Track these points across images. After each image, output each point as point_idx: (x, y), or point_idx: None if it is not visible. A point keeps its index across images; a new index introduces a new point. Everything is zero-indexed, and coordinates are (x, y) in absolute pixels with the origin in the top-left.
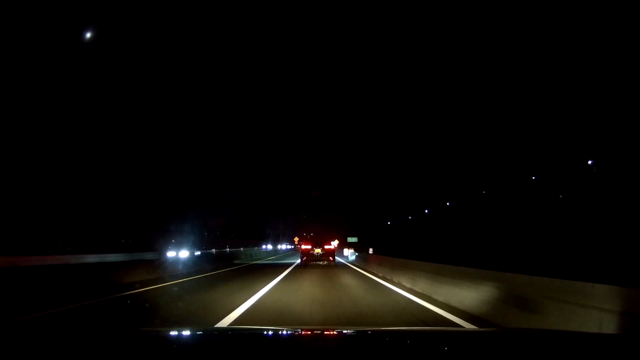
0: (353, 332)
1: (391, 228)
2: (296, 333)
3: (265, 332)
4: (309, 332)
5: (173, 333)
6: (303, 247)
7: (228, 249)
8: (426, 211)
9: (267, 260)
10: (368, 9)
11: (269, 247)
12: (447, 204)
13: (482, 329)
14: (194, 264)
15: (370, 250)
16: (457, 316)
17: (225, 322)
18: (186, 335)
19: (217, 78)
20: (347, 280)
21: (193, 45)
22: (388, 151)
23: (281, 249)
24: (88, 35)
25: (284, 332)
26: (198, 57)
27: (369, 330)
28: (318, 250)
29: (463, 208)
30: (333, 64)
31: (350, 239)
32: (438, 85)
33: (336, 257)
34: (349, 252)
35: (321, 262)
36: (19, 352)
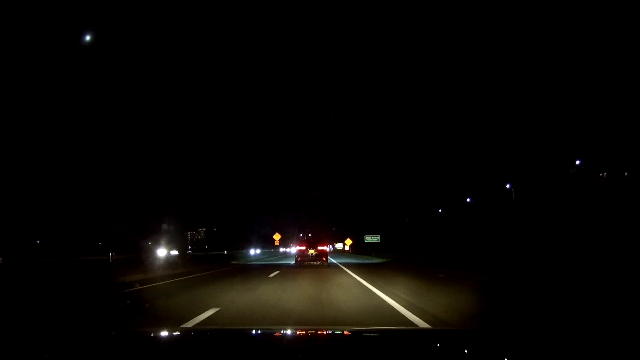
0: (337, 332)
1: (413, 225)
2: (277, 334)
3: (239, 332)
4: (297, 332)
5: (154, 334)
6: (298, 248)
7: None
8: (468, 200)
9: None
10: (368, 10)
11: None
12: (508, 186)
13: (478, 329)
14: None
15: None
16: None
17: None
18: (165, 336)
19: (217, 78)
20: None
21: (192, 46)
22: (399, 141)
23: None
24: (88, 36)
25: (262, 332)
26: (197, 57)
27: (354, 330)
28: (312, 251)
29: (532, 191)
30: (333, 64)
31: (370, 238)
32: (439, 80)
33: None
34: None
35: (315, 263)
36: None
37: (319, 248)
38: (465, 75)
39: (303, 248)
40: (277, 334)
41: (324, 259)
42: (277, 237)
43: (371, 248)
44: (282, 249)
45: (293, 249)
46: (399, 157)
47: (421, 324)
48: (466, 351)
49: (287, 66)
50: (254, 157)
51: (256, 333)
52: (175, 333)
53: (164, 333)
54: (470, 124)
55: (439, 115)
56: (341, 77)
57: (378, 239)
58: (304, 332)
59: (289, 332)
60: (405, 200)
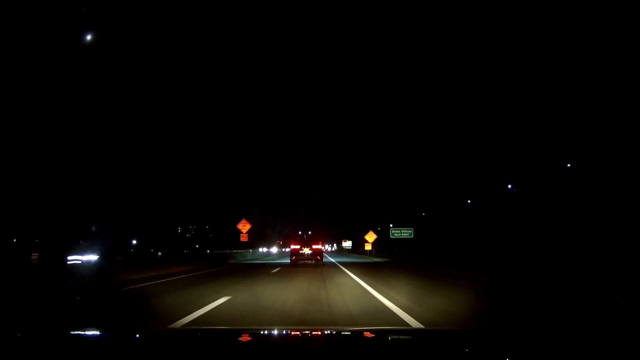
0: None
1: (437, 218)
2: (266, 333)
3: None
4: (286, 332)
5: (145, 334)
6: (292, 247)
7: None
8: (509, 186)
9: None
10: (368, 10)
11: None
12: (569, 165)
13: (475, 329)
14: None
15: None
16: None
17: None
18: (156, 336)
19: (216, 79)
20: None
21: (192, 46)
22: (415, 126)
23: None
24: (89, 36)
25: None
26: (196, 57)
27: (348, 331)
28: (306, 250)
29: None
30: (332, 64)
31: (399, 233)
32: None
33: None
34: None
35: (309, 262)
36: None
37: (314, 247)
38: (479, 53)
39: (298, 247)
40: (269, 333)
41: (319, 258)
42: (243, 227)
43: (399, 247)
44: (266, 249)
45: (275, 249)
46: (420, 143)
47: (416, 324)
48: (462, 351)
49: (287, 66)
50: (253, 157)
51: (251, 333)
52: (155, 334)
53: (146, 334)
54: (508, 91)
55: (460, 94)
56: (341, 77)
57: (410, 234)
58: (298, 332)
59: (278, 332)
60: (436, 190)
